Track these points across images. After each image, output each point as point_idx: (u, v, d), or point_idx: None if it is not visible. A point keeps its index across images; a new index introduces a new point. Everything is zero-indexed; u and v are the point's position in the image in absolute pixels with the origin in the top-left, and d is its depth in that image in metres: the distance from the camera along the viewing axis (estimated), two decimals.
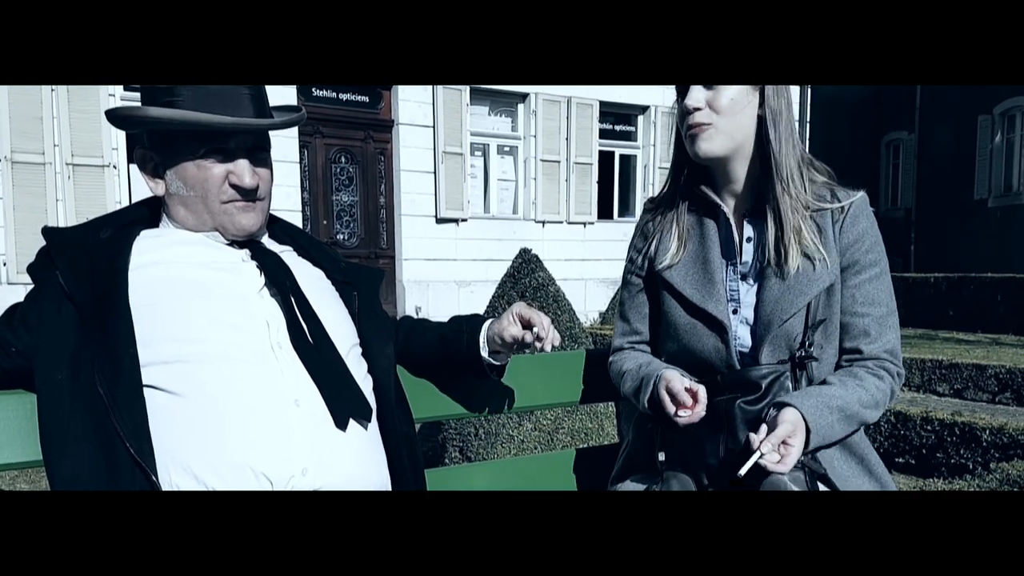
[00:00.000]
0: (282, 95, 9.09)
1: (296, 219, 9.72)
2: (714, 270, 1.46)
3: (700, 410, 1.36)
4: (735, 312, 1.46)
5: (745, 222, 1.47)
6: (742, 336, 1.45)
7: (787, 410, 1.32)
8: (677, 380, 1.39)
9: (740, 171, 1.45)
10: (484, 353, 1.50)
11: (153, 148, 1.30)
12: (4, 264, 8.22)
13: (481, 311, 8.81)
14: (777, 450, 1.27)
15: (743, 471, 1.25)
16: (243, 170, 1.28)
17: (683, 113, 1.42)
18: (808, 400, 1.34)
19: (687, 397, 1.37)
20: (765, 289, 1.42)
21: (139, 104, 1.26)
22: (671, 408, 1.38)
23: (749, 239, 1.47)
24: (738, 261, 1.47)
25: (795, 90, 12.23)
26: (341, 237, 10.43)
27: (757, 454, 1.26)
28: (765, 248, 1.43)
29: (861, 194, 1.45)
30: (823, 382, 1.42)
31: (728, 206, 1.48)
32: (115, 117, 1.27)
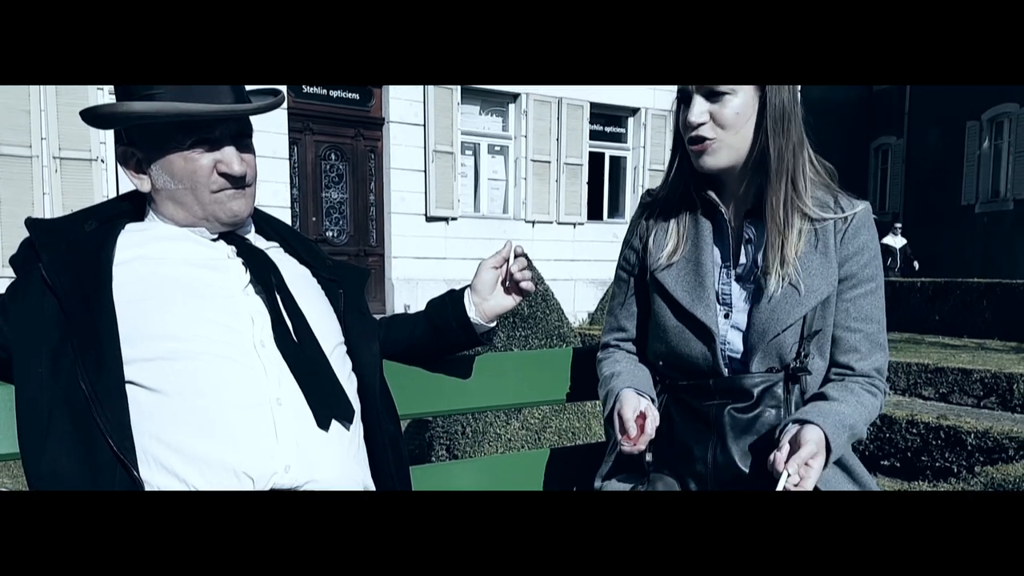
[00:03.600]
0: None
1: (285, 216, 9.68)
2: (705, 274, 1.42)
3: (641, 444, 1.35)
4: (726, 316, 1.43)
5: (745, 223, 1.43)
6: (733, 341, 1.41)
7: (810, 429, 1.27)
8: (629, 407, 1.37)
9: (744, 175, 1.41)
10: (472, 314, 1.49)
11: (134, 144, 1.27)
12: None
13: None
14: (799, 471, 1.24)
15: (779, 488, 1.23)
16: (231, 158, 1.26)
17: (685, 125, 1.37)
18: (828, 419, 1.30)
19: (633, 427, 1.35)
20: (761, 297, 1.38)
21: (116, 101, 1.24)
22: (618, 433, 1.37)
23: (748, 240, 1.43)
24: (732, 264, 1.44)
25: None
26: (330, 234, 10.41)
27: (785, 475, 1.23)
28: (763, 252, 1.39)
29: (865, 205, 1.41)
30: (822, 395, 1.39)
31: (728, 207, 1.44)
32: (94, 116, 1.23)
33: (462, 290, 1.52)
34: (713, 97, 1.34)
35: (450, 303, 1.52)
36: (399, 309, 10.59)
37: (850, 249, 1.39)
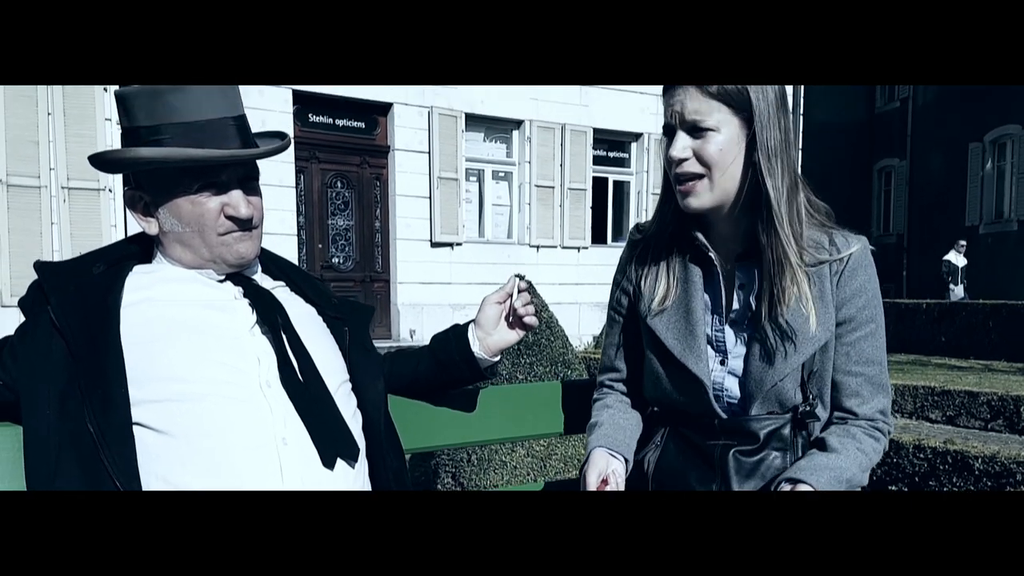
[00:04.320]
0: (279, 121, 9.14)
1: (291, 243, 9.74)
2: (696, 321, 1.39)
3: None
4: (722, 363, 1.40)
5: (737, 268, 1.40)
6: (730, 388, 1.39)
7: (802, 489, 1.26)
8: (595, 471, 1.38)
9: (732, 216, 1.37)
10: (476, 348, 1.50)
11: (142, 187, 1.29)
12: None
13: None
14: None
15: None
16: (238, 201, 1.28)
17: (669, 161, 1.34)
18: (822, 476, 1.28)
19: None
20: (756, 343, 1.35)
21: (123, 147, 1.25)
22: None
23: (741, 285, 1.40)
24: (725, 309, 1.40)
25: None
26: (336, 261, 10.45)
27: None
28: (757, 298, 1.36)
29: (861, 243, 1.38)
30: (821, 441, 1.36)
31: (718, 251, 1.40)
32: (102, 161, 1.26)
33: (466, 325, 1.53)
34: (696, 133, 1.30)
35: (454, 338, 1.53)
36: (404, 334, 10.61)
37: (847, 292, 1.36)
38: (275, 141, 1.35)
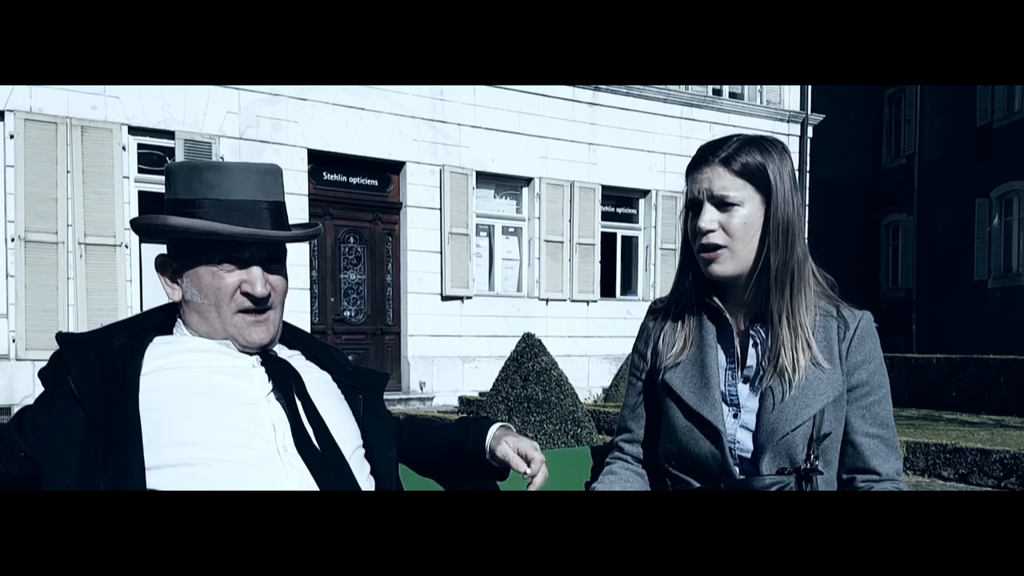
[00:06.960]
0: (294, 179, 9.33)
1: (304, 297, 9.85)
2: (711, 374, 1.47)
3: None
4: (735, 416, 1.45)
5: (753, 327, 1.48)
6: (742, 441, 1.44)
7: None
8: None
9: (748, 283, 1.46)
10: (487, 455, 1.49)
11: (172, 256, 1.35)
12: (13, 340, 8.29)
13: (485, 387, 8.70)
14: None
15: None
16: (255, 279, 1.32)
17: (695, 232, 1.44)
18: None
19: None
20: (769, 396, 1.42)
21: (161, 214, 1.32)
22: None
23: (755, 343, 1.47)
24: (739, 366, 1.47)
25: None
26: (348, 314, 10.55)
27: None
28: (771, 355, 1.43)
29: (867, 314, 1.47)
30: None
31: (733, 312, 1.49)
32: (137, 226, 1.34)
33: (489, 425, 1.52)
34: (723, 207, 1.41)
35: (472, 432, 1.52)
36: (415, 386, 10.65)
37: (857, 358, 1.44)
38: (305, 229, 1.42)
